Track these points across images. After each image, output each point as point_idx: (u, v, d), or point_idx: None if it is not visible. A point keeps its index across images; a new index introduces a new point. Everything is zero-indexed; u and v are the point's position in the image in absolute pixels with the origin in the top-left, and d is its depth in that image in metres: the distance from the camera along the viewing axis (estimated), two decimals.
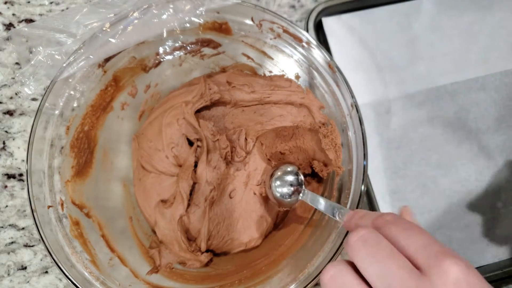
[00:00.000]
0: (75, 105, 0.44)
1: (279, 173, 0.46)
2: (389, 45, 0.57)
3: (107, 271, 0.42)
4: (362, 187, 0.40)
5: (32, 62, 0.39)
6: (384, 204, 0.53)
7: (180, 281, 0.45)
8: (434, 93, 0.57)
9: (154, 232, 0.48)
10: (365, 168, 0.40)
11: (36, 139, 0.41)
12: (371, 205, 0.54)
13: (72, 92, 0.44)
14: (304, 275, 0.39)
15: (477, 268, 0.51)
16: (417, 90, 0.57)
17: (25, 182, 0.41)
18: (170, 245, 0.46)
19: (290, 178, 0.45)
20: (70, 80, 0.43)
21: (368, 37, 0.59)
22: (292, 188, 0.44)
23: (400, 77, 0.58)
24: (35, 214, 0.39)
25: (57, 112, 0.43)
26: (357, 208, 0.40)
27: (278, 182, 0.45)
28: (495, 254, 0.52)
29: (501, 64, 0.59)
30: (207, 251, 0.47)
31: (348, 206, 0.41)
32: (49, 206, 0.41)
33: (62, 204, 0.42)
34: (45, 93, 0.42)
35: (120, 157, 0.50)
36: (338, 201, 0.44)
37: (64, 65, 0.42)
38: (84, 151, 0.46)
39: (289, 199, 0.45)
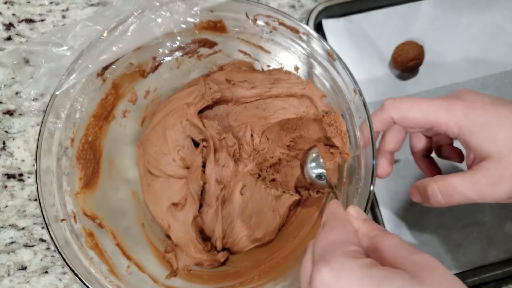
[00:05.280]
0: (77, 116, 0.44)
1: (314, 155, 0.45)
2: (388, 47, 0.57)
3: (127, 279, 0.42)
4: (374, 162, 0.40)
5: (34, 76, 0.39)
6: (385, 204, 0.53)
7: (200, 282, 0.45)
8: (433, 94, 0.57)
9: (168, 236, 0.48)
10: (373, 148, 0.40)
11: (43, 153, 0.41)
12: (371, 205, 0.53)
13: (73, 104, 0.43)
14: None
15: (476, 268, 0.51)
16: (417, 91, 0.57)
17: (37, 202, 0.40)
18: (186, 247, 0.46)
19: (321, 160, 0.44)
20: (71, 91, 0.42)
21: (367, 39, 0.58)
22: (324, 170, 0.44)
23: (399, 79, 0.58)
24: (50, 229, 0.39)
25: (60, 125, 0.43)
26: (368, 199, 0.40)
27: (313, 164, 0.44)
28: (495, 254, 0.52)
29: (501, 64, 0.58)
30: (222, 249, 0.47)
31: (360, 190, 0.41)
32: (62, 220, 0.41)
33: (74, 217, 0.42)
34: (46, 107, 0.41)
35: (126, 165, 0.50)
36: (349, 186, 0.44)
37: (64, 77, 0.41)
38: (90, 161, 0.46)
39: (322, 181, 0.44)
